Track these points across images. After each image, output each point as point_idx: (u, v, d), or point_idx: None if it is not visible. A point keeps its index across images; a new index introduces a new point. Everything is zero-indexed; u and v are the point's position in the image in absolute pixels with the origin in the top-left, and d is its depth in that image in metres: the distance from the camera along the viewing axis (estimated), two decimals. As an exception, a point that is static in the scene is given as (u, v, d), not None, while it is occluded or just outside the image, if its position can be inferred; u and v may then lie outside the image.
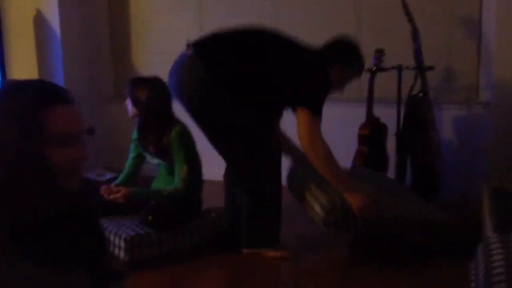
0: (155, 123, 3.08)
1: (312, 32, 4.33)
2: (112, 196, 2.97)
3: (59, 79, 4.57)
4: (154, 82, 3.12)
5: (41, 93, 1.18)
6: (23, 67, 4.58)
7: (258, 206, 2.98)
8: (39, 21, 4.56)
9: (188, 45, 2.95)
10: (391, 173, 3.85)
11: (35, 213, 1.15)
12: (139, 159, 3.27)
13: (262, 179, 2.97)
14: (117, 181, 3.23)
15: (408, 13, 3.52)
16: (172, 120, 3.11)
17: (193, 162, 3.14)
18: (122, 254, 2.83)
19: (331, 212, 2.75)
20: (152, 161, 3.23)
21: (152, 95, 3.05)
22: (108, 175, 4.61)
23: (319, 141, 2.76)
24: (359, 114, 3.87)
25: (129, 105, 3.12)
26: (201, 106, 2.88)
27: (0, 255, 1.10)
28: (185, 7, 4.70)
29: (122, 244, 2.82)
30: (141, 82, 3.12)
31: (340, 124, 4.27)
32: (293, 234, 3.29)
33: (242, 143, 2.94)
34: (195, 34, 4.65)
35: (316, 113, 2.78)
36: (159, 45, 4.84)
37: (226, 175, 3.27)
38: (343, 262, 3.04)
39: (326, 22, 4.31)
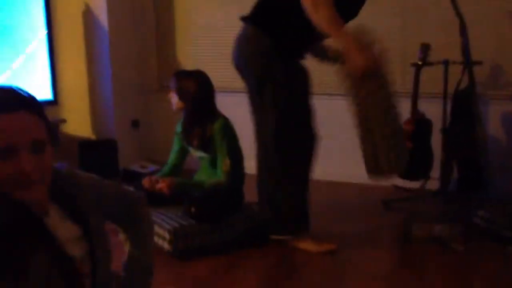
0: (200, 116, 3.12)
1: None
2: (158, 187, 3.03)
3: (106, 71, 4.68)
4: (198, 75, 3.15)
5: None
6: (72, 59, 4.69)
7: (285, 189, 2.96)
8: (88, 15, 4.67)
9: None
10: (436, 170, 3.79)
11: None
12: (183, 152, 3.32)
13: (294, 160, 2.96)
14: (160, 173, 3.29)
15: (455, 7, 3.45)
16: (215, 113, 3.14)
17: (236, 156, 3.17)
18: (165, 245, 2.88)
19: None
20: (195, 154, 3.27)
21: (197, 87, 3.09)
22: (151, 168, 4.69)
23: None
24: (403, 109, 3.80)
25: (174, 98, 3.16)
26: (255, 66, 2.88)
27: None
28: (227, 1, 4.72)
29: (166, 235, 2.88)
30: (186, 75, 3.17)
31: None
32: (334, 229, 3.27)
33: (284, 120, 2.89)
34: (237, 29, 4.70)
35: None
36: (203, 39, 4.89)
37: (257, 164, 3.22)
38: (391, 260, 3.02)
39: (371, 15, 4.26)
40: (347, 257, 2.95)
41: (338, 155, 4.48)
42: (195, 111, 3.12)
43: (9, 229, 1.18)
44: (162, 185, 3.03)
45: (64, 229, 1.31)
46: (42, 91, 4.17)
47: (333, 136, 4.49)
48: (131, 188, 1.66)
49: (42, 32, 4.17)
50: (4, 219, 1.17)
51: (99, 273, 1.37)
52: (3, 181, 1.15)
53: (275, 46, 2.77)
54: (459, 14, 3.46)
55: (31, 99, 1.23)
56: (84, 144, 4.52)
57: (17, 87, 1.23)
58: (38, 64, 4.18)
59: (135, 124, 4.98)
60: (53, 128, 1.28)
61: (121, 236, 1.59)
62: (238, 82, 4.73)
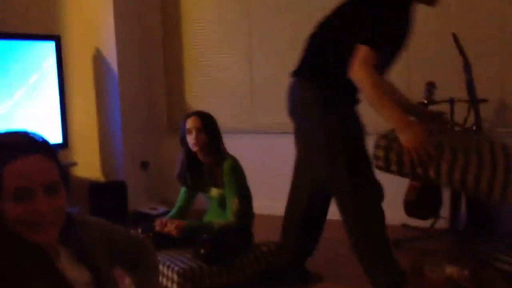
0: (212, 154, 3.15)
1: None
2: (166, 229, 3.04)
3: (116, 113, 4.74)
4: (209, 114, 3.21)
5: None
6: (82, 102, 4.77)
7: (368, 243, 2.78)
8: (98, 59, 4.77)
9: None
10: (445, 208, 3.77)
11: None
12: (191, 193, 3.33)
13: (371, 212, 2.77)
14: (169, 215, 3.30)
15: (459, 46, 3.49)
16: (223, 154, 3.17)
17: (245, 196, 3.18)
18: (174, 287, 2.87)
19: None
20: (204, 195, 3.29)
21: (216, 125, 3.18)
22: (161, 209, 4.70)
23: (368, 69, 2.47)
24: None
25: (198, 136, 3.12)
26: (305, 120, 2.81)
27: None
28: (236, 44, 4.82)
29: (175, 277, 2.86)
30: (202, 113, 3.20)
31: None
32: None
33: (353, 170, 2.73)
34: (245, 70, 4.78)
35: (375, 47, 2.48)
36: (211, 81, 4.96)
37: (289, 210, 3.20)
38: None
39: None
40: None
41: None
42: (214, 146, 3.15)
43: (23, 270, 1.20)
44: (171, 228, 3.04)
45: (74, 273, 1.33)
46: (52, 134, 4.22)
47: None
48: (139, 234, 1.68)
49: (54, 76, 4.25)
50: (17, 260, 1.20)
51: None
52: (17, 222, 1.19)
53: (326, 97, 2.71)
54: (462, 53, 3.50)
55: (45, 143, 1.28)
56: (93, 186, 4.55)
57: (32, 132, 1.28)
58: (48, 108, 4.25)
59: (144, 165, 5.02)
60: (66, 172, 1.32)
61: (127, 281, 1.61)
62: (245, 123, 4.83)
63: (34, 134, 1.28)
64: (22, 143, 1.23)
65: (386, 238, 2.74)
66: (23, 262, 1.21)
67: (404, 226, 3.96)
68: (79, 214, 1.42)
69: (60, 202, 1.25)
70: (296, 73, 2.85)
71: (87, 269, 1.36)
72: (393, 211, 4.03)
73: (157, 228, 3.07)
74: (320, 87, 2.70)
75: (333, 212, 3.11)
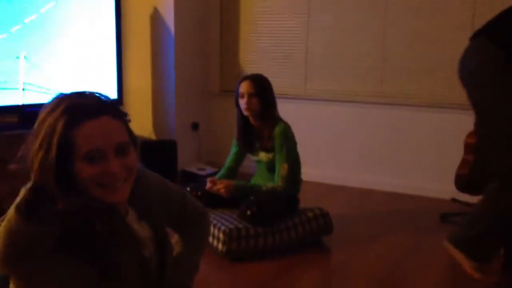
0: (263, 119, 3.17)
1: (425, 37, 4.25)
2: (215, 188, 3.10)
3: (170, 73, 4.79)
4: (265, 78, 3.21)
5: (70, 114, 1.21)
6: (138, 61, 4.84)
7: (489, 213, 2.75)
8: (156, 18, 4.81)
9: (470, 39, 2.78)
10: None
11: (72, 224, 1.23)
12: (240, 155, 3.36)
13: None
14: (218, 175, 3.34)
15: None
16: (276, 119, 3.17)
17: (294, 161, 3.19)
18: (220, 246, 2.93)
19: None
20: (253, 157, 3.31)
21: (271, 89, 3.18)
22: (209, 170, 4.77)
23: None
24: (467, 122, 3.74)
25: (251, 101, 3.12)
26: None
27: (48, 261, 1.21)
28: (294, 10, 4.76)
29: (221, 236, 2.92)
30: (258, 78, 3.20)
31: (448, 132, 4.17)
32: None
33: None
34: (301, 36, 4.74)
35: None
36: (266, 45, 4.94)
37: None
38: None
39: (440, 28, 4.21)
40: (400, 267, 2.92)
41: (399, 166, 4.44)
42: (266, 112, 3.16)
43: (96, 231, 1.25)
44: (220, 187, 3.09)
45: (139, 230, 1.38)
46: (108, 91, 4.31)
47: (395, 148, 4.45)
48: (199, 203, 1.69)
49: (112, 34, 4.32)
50: (90, 222, 1.25)
51: (164, 273, 1.44)
52: (90, 184, 1.22)
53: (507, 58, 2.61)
54: None
55: (112, 104, 1.29)
56: (145, 144, 4.64)
57: (97, 93, 1.29)
58: (105, 65, 4.33)
59: (195, 126, 5.08)
60: (133, 131, 1.33)
61: (175, 238, 1.64)
62: (297, 89, 4.80)
63: (102, 95, 1.29)
64: (91, 105, 1.24)
65: None
66: (96, 222, 1.25)
67: (454, 200, 3.89)
68: (142, 171, 1.44)
69: (131, 162, 1.27)
70: (479, 35, 2.73)
71: (148, 227, 1.41)
72: (443, 184, 3.99)
73: (207, 187, 3.12)
74: (504, 47, 2.61)
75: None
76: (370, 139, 4.55)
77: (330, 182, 4.65)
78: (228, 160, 3.38)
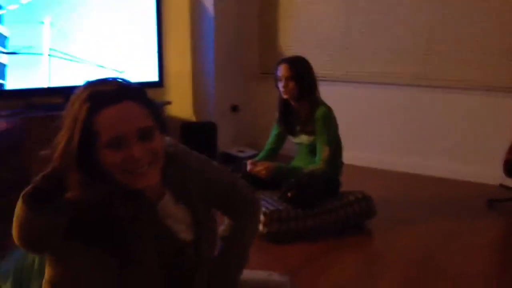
0: (302, 102, 3.13)
1: (472, 17, 4.12)
2: (256, 170, 3.09)
3: (210, 56, 4.79)
4: (305, 60, 3.16)
5: (91, 101, 1.19)
6: (178, 42, 4.85)
7: None
8: (195, 1, 4.80)
9: None
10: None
11: (95, 212, 1.22)
12: (281, 137, 3.34)
13: None
14: (258, 157, 3.33)
15: None
16: (316, 101, 3.14)
17: (335, 144, 3.16)
18: (260, 227, 2.93)
19: None
20: (294, 140, 3.29)
21: (311, 71, 3.14)
22: (249, 152, 4.77)
23: None
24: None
25: (287, 84, 3.10)
26: None
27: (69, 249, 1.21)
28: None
29: (261, 217, 2.92)
30: (297, 60, 3.16)
31: (495, 116, 4.07)
32: None
33: None
34: (341, 19, 4.66)
35: None
36: (305, 28, 4.88)
37: None
38: None
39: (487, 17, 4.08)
40: (441, 252, 2.86)
41: (444, 151, 4.35)
42: (305, 95, 3.12)
43: (122, 214, 1.24)
44: (260, 168, 3.08)
45: (177, 212, 1.36)
46: (149, 74, 4.34)
47: (440, 132, 4.36)
48: (245, 182, 1.64)
49: (152, 17, 4.34)
50: (117, 205, 1.24)
51: (204, 258, 1.41)
52: (115, 170, 1.21)
53: None
54: None
55: (134, 88, 1.26)
56: (185, 126, 4.68)
57: (119, 78, 1.27)
58: (146, 48, 4.35)
59: (234, 108, 5.08)
60: (160, 114, 1.29)
61: (226, 221, 1.62)
62: (337, 71, 4.74)
63: (124, 80, 1.26)
64: (111, 91, 1.22)
65: None
66: (119, 208, 1.24)
67: (501, 186, 3.79)
68: (183, 152, 1.43)
69: (155, 146, 1.24)
70: None
71: (186, 210, 1.39)
72: (491, 170, 3.88)
73: (248, 168, 3.12)
74: None
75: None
76: (413, 123, 4.46)
77: (373, 166, 4.59)
78: (269, 142, 3.37)
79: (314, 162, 3.11)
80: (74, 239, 1.20)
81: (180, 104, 4.85)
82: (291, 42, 4.97)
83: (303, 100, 3.13)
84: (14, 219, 1.19)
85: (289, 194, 2.98)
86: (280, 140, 3.35)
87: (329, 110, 3.13)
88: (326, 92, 3.30)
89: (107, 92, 1.21)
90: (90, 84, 1.24)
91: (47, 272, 1.25)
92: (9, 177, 3.12)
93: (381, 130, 4.62)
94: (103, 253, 1.22)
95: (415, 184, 4.17)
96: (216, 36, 4.78)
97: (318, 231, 3.02)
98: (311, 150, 3.17)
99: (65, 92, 3.82)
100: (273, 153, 3.36)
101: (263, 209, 2.94)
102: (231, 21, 4.96)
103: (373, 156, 4.64)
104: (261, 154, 3.35)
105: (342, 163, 3.30)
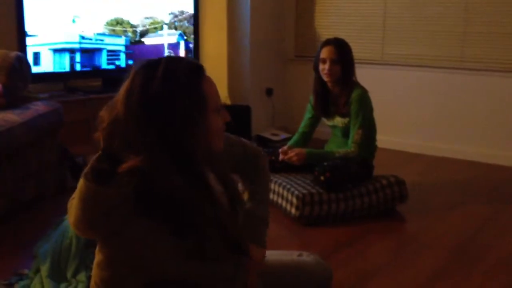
0: (342, 85, 3.12)
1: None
2: (287, 157, 3.11)
3: (245, 38, 4.80)
4: (346, 42, 3.15)
5: (197, 70, 1.32)
6: (214, 26, 4.87)
7: None
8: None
9: None
10: None
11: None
12: (314, 121, 3.34)
13: None
14: (291, 141, 3.34)
15: None
16: (354, 83, 3.12)
17: (369, 128, 3.14)
18: (293, 210, 2.95)
19: None
20: (328, 123, 3.28)
21: (352, 53, 3.14)
22: (283, 136, 4.78)
23: None
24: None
25: (332, 67, 3.07)
26: None
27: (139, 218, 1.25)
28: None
29: (294, 200, 2.94)
30: (340, 42, 3.14)
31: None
32: None
33: None
34: (376, 3, 4.60)
35: None
36: (342, 10, 4.84)
37: None
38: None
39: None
40: (475, 238, 2.84)
41: (479, 135, 4.28)
42: (347, 78, 3.11)
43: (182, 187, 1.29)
44: (292, 155, 3.09)
45: (216, 187, 1.42)
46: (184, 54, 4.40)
47: (476, 116, 4.29)
48: (255, 145, 1.77)
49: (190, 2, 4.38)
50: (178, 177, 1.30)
51: (237, 227, 1.47)
52: (218, 133, 1.36)
53: None
54: None
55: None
56: (220, 108, 4.70)
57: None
58: (183, 32, 4.40)
59: (269, 92, 5.08)
60: None
61: (240, 187, 1.68)
62: (374, 54, 4.69)
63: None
64: (200, 65, 1.36)
65: None
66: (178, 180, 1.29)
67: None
68: None
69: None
70: None
71: (217, 180, 1.45)
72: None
73: (280, 158, 3.14)
74: None
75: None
76: (449, 106, 4.40)
77: (407, 150, 4.55)
78: (302, 125, 3.37)
79: (347, 145, 3.11)
80: (136, 212, 1.25)
81: (215, 87, 4.87)
82: (328, 24, 4.93)
83: (343, 83, 3.12)
84: (76, 201, 1.25)
85: (322, 178, 2.98)
86: (313, 123, 3.35)
87: (365, 92, 3.11)
88: (362, 75, 3.28)
89: (198, 65, 1.35)
90: (184, 61, 1.35)
91: (102, 254, 1.30)
92: (46, 160, 3.21)
93: (417, 114, 4.56)
94: (164, 226, 1.27)
95: (450, 169, 4.12)
96: (252, 19, 4.78)
97: (351, 215, 3.03)
98: (345, 133, 3.16)
99: (102, 75, 3.98)
100: (307, 137, 3.36)
101: (296, 192, 2.95)
102: (267, 4, 4.95)
103: (408, 140, 4.59)
104: (295, 138, 3.36)
105: (376, 147, 3.28)
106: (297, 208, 2.93)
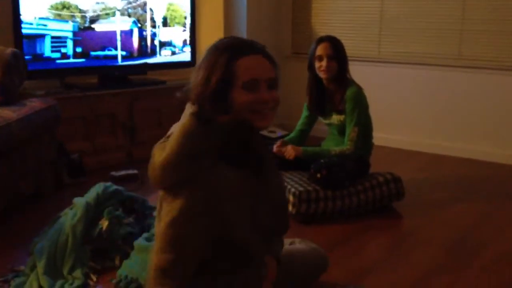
0: (337, 82, 3.12)
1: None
2: (283, 150, 3.11)
3: (242, 34, 4.78)
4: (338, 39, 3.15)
5: (233, 49, 1.49)
6: (210, 22, 4.86)
7: None
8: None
9: None
10: None
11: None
12: (311, 119, 3.34)
13: None
14: (289, 137, 3.34)
15: None
16: (349, 81, 3.12)
17: (365, 125, 3.14)
18: (289, 207, 2.95)
19: None
20: (324, 121, 3.29)
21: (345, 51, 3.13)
22: (279, 133, 4.78)
23: None
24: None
25: (330, 64, 3.07)
26: None
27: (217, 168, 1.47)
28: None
29: (291, 198, 2.94)
30: (333, 39, 3.14)
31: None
32: None
33: None
34: (373, 1, 4.61)
35: None
36: (338, 7, 4.84)
37: None
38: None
39: None
40: (471, 235, 2.85)
41: (475, 132, 4.29)
42: (342, 75, 3.11)
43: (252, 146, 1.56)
44: (288, 151, 3.10)
45: None
46: (181, 53, 4.38)
47: (472, 114, 4.30)
48: None
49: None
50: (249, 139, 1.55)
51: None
52: (244, 109, 1.47)
53: None
54: None
55: (265, 48, 1.57)
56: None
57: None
58: (178, 28, 4.39)
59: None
60: (279, 75, 1.59)
61: None
62: (370, 51, 4.69)
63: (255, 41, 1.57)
64: (250, 44, 1.53)
65: None
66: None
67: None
68: None
69: (277, 96, 1.53)
70: None
71: None
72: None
73: (274, 149, 3.14)
74: None
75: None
76: (445, 104, 4.41)
77: (403, 147, 4.56)
78: (299, 123, 3.37)
79: (344, 142, 3.11)
80: (219, 162, 1.46)
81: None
82: (325, 21, 4.94)
83: (338, 80, 3.12)
84: (174, 137, 1.43)
85: (318, 175, 2.99)
86: (310, 121, 3.35)
87: (360, 90, 3.12)
88: (358, 72, 3.28)
89: (247, 43, 1.53)
90: (226, 39, 1.55)
91: (174, 207, 1.43)
92: (43, 156, 3.21)
93: (413, 112, 4.57)
94: (242, 173, 1.50)
95: (446, 166, 4.13)
96: (249, 16, 4.78)
97: (347, 212, 3.03)
98: (342, 130, 3.17)
99: (99, 72, 3.96)
100: (304, 134, 3.36)
101: (293, 189, 2.95)
102: (264, 0, 4.94)
103: (404, 138, 4.60)
104: (292, 135, 3.36)
105: (372, 144, 3.29)
106: (293, 205, 2.93)
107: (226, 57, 1.46)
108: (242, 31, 4.79)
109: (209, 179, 1.43)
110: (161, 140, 1.49)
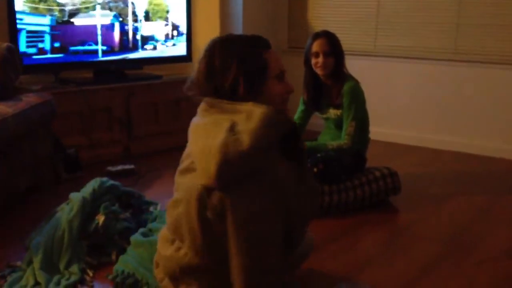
0: (334, 78, 3.12)
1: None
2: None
3: (238, 31, 4.78)
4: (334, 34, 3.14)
5: (260, 41, 1.65)
6: (206, 18, 4.84)
7: None
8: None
9: None
10: None
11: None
12: (307, 113, 3.34)
13: None
14: (284, 132, 3.33)
15: None
16: (345, 75, 3.12)
17: (362, 119, 3.14)
18: (286, 202, 2.95)
19: None
20: (321, 116, 3.28)
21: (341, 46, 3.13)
22: (276, 127, 4.77)
23: None
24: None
25: (326, 59, 3.07)
26: None
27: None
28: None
29: (287, 192, 2.94)
30: (330, 34, 3.13)
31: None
32: None
33: None
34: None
35: None
36: (334, 3, 4.83)
37: None
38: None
39: None
40: (469, 230, 2.85)
41: (473, 127, 4.29)
42: (339, 70, 3.11)
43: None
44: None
45: None
46: (177, 48, 4.37)
47: (470, 108, 4.30)
48: None
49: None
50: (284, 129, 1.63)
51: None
52: (277, 97, 1.63)
53: None
54: None
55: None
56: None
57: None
58: (176, 24, 4.37)
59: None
60: None
61: None
62: (366, 45, 4.69)
63: None
64: (264, 39, 1.68)
65: None
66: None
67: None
68: None
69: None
70: None
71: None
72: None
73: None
74: None
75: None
76: (442, 98, 4.41)
77: (400, 142, 4.56)
78: (295, 117, 3.36)
79: (341, 137, 3.11)
80: (280, 156, 1.58)
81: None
82: (321, 15, 4.94)
83: (336, 76, 3.11)
84: (259, 116, 1.50)
85: (315, 169, 2.98)
86: (306, 116, 3.35)
87: (357, 84, 3.12)
88: (354, 66, 3.28)
89: (262, 38, 1.67)
90: (236, 36, 1.70)
91: (247, 201, 1.48)
92: (39, 151, 3.20)
93: (410, 106, 4.58)
94: (292, 165, 1.62)
95: (444, 161, 4.14)
96: (245, 10, 4.76)
97: (344, 206, 3.03)
98: (339, 124, 3.17)
99: (95, 67, 3.95)
100: (300, 129, 3.35)
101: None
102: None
103: (401, 132, 4.61)
104: (288, 130, 3.35)
105: (369, 139, 3.29)
106: (290, 199, 2.92)
107: (258, 50, 1.61)
108: (238, 24, 4.78)
109: (276, 171, 1.52)
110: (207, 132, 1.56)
